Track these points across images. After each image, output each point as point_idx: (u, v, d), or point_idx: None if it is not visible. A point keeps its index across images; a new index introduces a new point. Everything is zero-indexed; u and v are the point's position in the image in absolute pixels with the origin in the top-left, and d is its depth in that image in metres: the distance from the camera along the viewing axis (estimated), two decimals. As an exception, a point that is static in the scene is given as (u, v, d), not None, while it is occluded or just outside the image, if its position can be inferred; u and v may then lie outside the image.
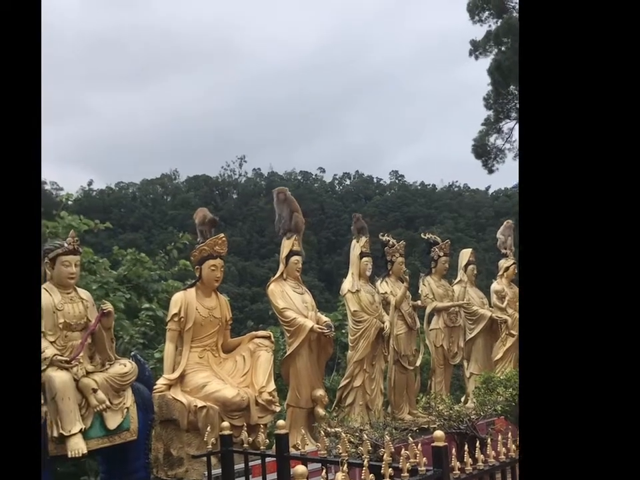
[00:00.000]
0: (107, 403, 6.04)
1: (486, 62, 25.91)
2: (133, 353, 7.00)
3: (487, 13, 26.04)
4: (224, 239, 7.57)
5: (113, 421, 6.08)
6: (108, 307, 6.33)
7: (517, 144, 27.26)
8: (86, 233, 11.98)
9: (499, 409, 7.53)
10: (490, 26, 25.96)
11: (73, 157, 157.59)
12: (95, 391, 5.98)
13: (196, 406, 6.80)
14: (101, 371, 6.19)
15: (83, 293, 6.49)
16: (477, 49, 26.14)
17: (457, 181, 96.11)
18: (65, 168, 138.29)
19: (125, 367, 6.29)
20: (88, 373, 6.08)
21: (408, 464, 3.80)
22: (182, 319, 7.27)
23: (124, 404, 6.21)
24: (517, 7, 25.58)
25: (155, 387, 6.90)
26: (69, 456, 5.76)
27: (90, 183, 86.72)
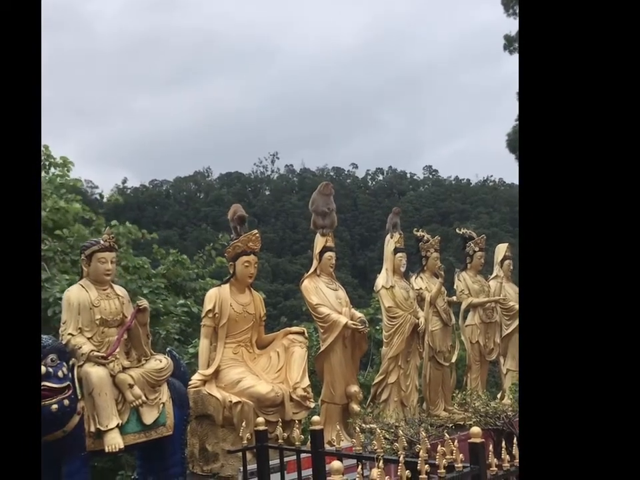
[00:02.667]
0: (143, 398, 6.09)
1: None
2: (168, 349, 7.04)
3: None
4: (257, 235, 7.58)
5: (149, 416, 6.12)
6: (143, 303, 6.38)
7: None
8: (134, 241, 12.39)
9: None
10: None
11: (108, 155, 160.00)
12: (131, 386, 6.03)
13: (231, 401, 6.83)
14: (137, 367, 6.23)
15: (119, 290, 6.54)
16: (511, 43, 25.79)
17: (491, 176, 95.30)
18: (100, 166, 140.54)
19: (160, 362, 6.33)
20: (124, 369, 6.13)
21: (444, 460, 3.76)
22: (216, 315, 7.31)
23: (160, 399, 6.25)
24: None
25: (190, 383, 6.94)
26: (106, 451, 5.81)
27: (124, 181, 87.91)
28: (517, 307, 11.21)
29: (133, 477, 7.19)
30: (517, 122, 26.70)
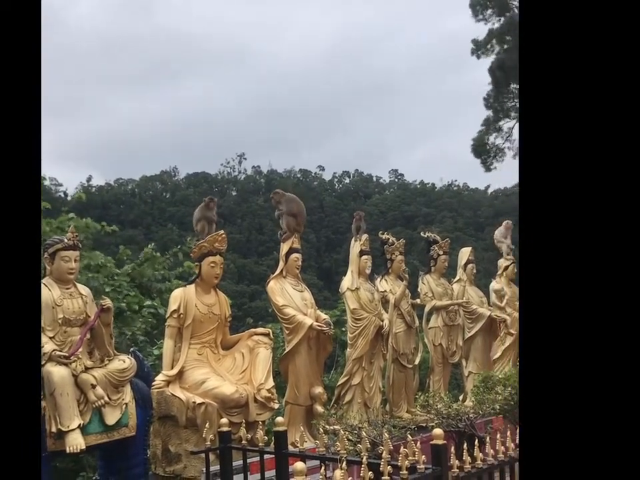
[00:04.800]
0: (106, 398, 6.04)
1: (489, 62, 25.92)
2: (132, 349, 6.99)
3: (489, 11, 26.02)
4: (224, 235, 7.57)
5: (111, 417, 6.08)
6: (107, 302, 6.33)
7: (516, 143, 27.28)
8: (92, 235, 12.21)
9: (498, 407, 7.54)
10: (493, 24, 25.96)
11: (73, 153, 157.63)
12: (93, 386, 5.98)
13: (194, 402, 6.80)
14: (99, 367, 6.18)
15: (82, 289, 6.48)
16: (479, 48, 26.13)
17: (456, 180, 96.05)
18: (64, 164, 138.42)
19: (123, 362, 6.29)
20: (87, 369, 6.08)
21: (407, 462, 3.80)
22: (181, 316, 7.27)
23: (122, 400, 6.21)
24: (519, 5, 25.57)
25: (153, 383, 6.90)
26: (67, 451, 5.75)
27: (89, 179, 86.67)
28: (479, 310, 11.38)
29: (94, 477, 7.13)
30: (483, 127, 27.07)
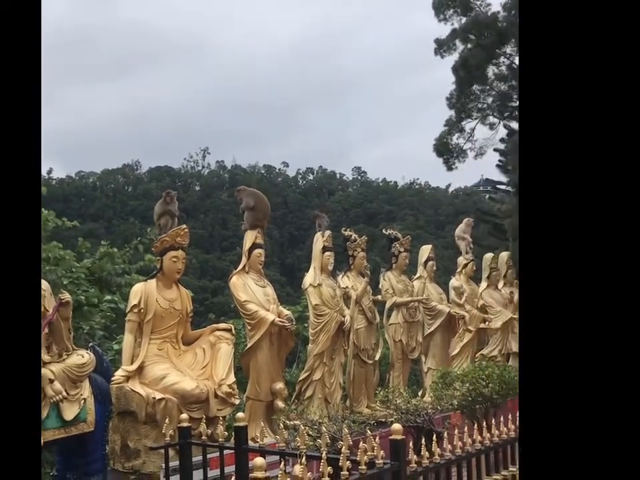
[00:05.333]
0: (64, 393, 5.98)
1: (452, 61, 26.11)
2: (91, 344, 6.93)
3: (451, 10, 26.25)
4: (186, 230, 7.53)
5: (69, 412, 6.02)
6: (66, 297, 6.26)
7: (478, 143, 27.60)
8: (56, 233, 12.02)
9: (456, 403, 7.65)
10: (453, 24, 26.19)
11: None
12: (51, 381, 5.91)
13: (154, 398, 6.76)
14: (58, 362, 6.12)
15: (41, 283, 6.40)
16: (442, 46, 26.31)
17: (418, 179, 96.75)
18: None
19: (82, 357, 6.23)
20: (45, 363, 6.00)
21: (366, 457, 3.84)
22: (142, 310, 7.21)
23: (81, 395, 6.16)
24: (482, 5, 25.87)
25: (113, 379, 6.84)
26: (24, 447, 5.68)
27: (49, 172, 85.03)
28: (438, 306, 11.53)
29: (51, 473, 7.03)
30: (445, 127, 27.30)
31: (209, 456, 5.47)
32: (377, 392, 9.10)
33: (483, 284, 12.62)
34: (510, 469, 5.34)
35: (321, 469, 3.61)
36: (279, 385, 8.29)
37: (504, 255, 13.31)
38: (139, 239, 13.27)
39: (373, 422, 6.90)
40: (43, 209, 11.83)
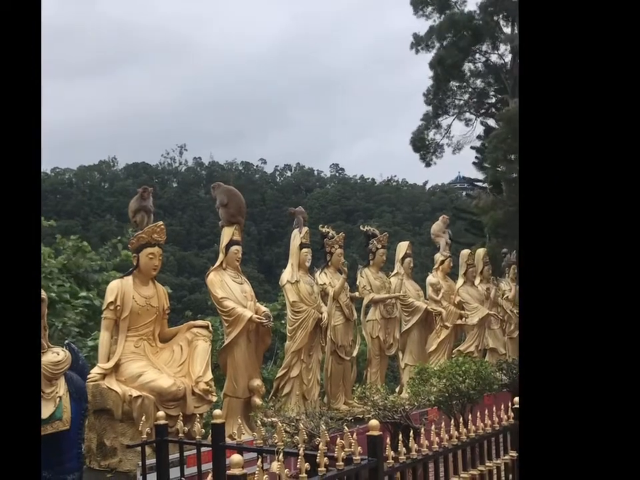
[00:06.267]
0: (39, 392, 5.91)
1: (430, 58, 26.25)
2: (66, 342, 6.85)
3: (430, 8, 26.40)
4: (162, 226, 7.48)
5: (45, 410, 5.94)
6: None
7: (455, 139, 27.80)
8: None
9: (433, 399, 7.70)
10: (434, 21, 26.33)
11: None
12: (26, 379, 5.84)
13: (131, 395, 6.71)
14: (32, 360, 6.04)
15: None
16: (419, 43, 26.44)
17: (395, 176, 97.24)
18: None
19: (57, 355, 6.16)
20: (19, 362, 5.94)
21: (343, 453, 3.86)
22: (118, 307, 7.15)
23: (56, 393, 6.08)
24: (459, 2, 26.06)
25: (88, 376, 6.78)
26: (-2, 446, 5.61)
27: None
28: (415, 303, 11.58)
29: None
30: (422, 122, 27.44)
31: (186, 453, 5.46)
32: (354, 388, 9.12)
33: (460, 280, 12.73)
34: (486, 463, 5.39)
35: (298, 466, 3.62)
36: (257, 382, 8.27)
37: (480, 252, 13.45)
38: (118, 238, 13.18)
39: (350, 418, 6.90)
40: None
